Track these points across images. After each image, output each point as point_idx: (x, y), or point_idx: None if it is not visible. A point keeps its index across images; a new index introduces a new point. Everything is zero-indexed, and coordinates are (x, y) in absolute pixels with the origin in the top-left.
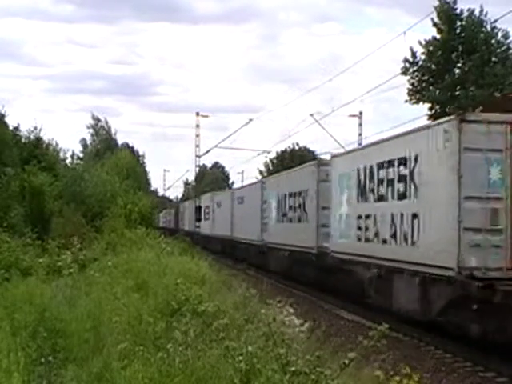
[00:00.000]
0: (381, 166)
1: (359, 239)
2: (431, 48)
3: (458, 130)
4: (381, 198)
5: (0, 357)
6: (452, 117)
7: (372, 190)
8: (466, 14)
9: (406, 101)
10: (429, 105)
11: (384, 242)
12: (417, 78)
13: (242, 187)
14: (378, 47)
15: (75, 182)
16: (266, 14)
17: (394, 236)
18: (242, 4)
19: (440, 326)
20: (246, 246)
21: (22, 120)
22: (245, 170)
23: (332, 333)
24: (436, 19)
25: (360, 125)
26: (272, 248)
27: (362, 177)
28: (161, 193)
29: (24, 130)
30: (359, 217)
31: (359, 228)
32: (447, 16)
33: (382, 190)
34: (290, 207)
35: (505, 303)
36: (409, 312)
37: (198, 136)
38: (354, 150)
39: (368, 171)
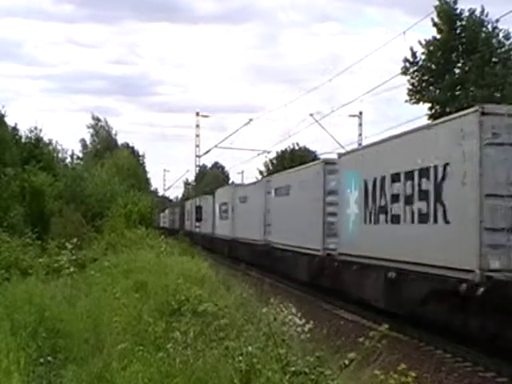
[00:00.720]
0: None
1: None
2: (431, 48)
3: None
4: None
5: (0, 357)
6: None
7: None
8: (466, 13)
9: (406, 101)
10: (429, 105)
11: None
12: (417, 78)
13: (284, 174)
14: (377, 47)
15: (75, 181)
16: (266, 14)
17: None
18: (242, 4)
19: None
20: (291, 256)
21: (21, 120)
22: (245, 170)
23: (332, 333)
24: (436, 19)
25: (360, 125)
26: (351, 263)
27: None
28: (161, 193)
29: (24, 130)
30: None
31: None
32: (447, 16)
33: None
34: (396, 197)
35: None
36: None
37: (197, 136)
38: None
39: None
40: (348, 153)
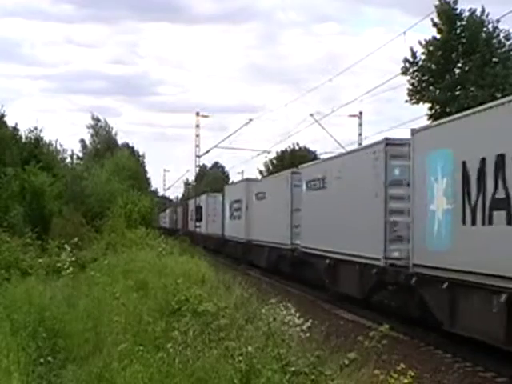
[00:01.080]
0: None
1: None
2: (431, 48)
3: None
4: None
5: (0, 357)
6: None
7: None
8: (466, 13)
9: (406, 101)
10: (429, 105)
11: None
12: (417, 78)
13: (319, 163)
14: (377, 47)
15: (75, 181)
16: (266, 14)
17: None
18: (242, 4)
19: None
20: (331, 265)
21: (21, 120)
22: (245, 170)
23: (331, 333)
24: (436, 19)
25: (360, 125)
26: (437, 279)
27: None
28: (161, 193)
29: (24, 130)
30: None
31: None
32: (447, 16)
33: None
34: None
35: None
36: None
37: (197, 136)
38: None
39: None
40: (431, 126)
